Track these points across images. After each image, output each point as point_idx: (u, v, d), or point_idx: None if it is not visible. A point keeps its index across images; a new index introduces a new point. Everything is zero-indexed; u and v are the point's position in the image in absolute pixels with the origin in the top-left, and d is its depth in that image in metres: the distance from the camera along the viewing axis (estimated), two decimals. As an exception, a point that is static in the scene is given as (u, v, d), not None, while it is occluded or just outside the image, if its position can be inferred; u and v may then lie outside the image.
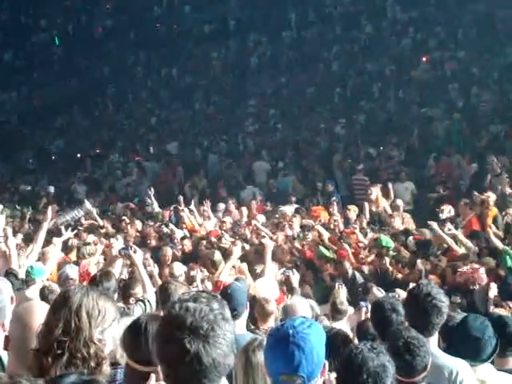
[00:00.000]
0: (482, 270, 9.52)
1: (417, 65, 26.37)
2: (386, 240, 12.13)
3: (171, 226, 15.68)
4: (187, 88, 32.60)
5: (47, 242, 10.83)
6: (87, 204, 16.99)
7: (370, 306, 7.54)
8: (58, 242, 11.03)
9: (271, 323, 7.11)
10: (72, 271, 9.67)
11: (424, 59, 26.44)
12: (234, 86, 31.13)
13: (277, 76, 30.48)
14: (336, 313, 8.16)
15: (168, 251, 12.67)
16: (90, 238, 13.45)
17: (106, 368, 3.38)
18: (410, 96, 24.82)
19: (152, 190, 18.20)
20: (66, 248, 12.18)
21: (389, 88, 25.79)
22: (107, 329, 3.42)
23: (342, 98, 26.76)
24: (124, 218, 16.62)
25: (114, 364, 4.11)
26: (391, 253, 11.81)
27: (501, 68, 23.86)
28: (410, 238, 12.43)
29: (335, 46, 30.11)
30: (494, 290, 8.76)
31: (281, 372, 3.29)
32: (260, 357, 4.37)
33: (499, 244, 11.24)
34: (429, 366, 4.56)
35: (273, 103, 28.57)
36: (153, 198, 17.98)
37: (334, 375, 3.73)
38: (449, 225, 12.77)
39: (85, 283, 8.84)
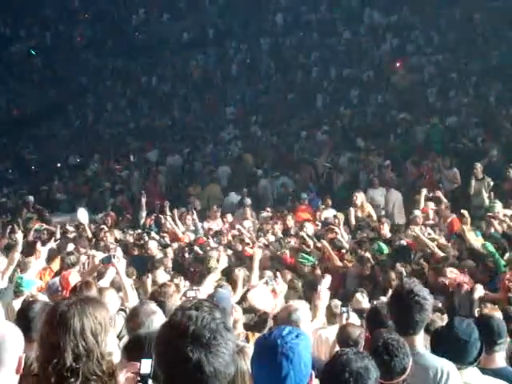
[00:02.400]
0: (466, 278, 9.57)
1: (395, 70, 26.43)
2: (381, 246, 12.32)
3: (153, 233, 15.67)
4: (166, 96, 32.58)
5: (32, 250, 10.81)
6: (81, 213, 16.88)
7: (350, 312, 7.59)
8: (43, 250, 10.96)
9: (240, 329, 7.13)
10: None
11: (398, 64, 26.54)
12: (213, 94, 31.13)
13: (256, 83, 30.53)
14: (331, 316, 8.18)
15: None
16: (70, 246, 13.39)
17: (121, 378, 3.37)
18: (388, 101, 24.92)
19: (144, 196, 18.26)
20: (49, 258, 12.12)
21: (368, 93, 25.88)
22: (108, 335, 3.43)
23: (322, 104, 26.82)
24: (103, 226, 16.59)
25: None
26: (383, 258, 11.91)
27: (479, 72, 23.97)
28: (403, 241, 12.59)
29: (314, 53, 30.16)
30: (479, 291, 8.79)
31: (268, 382, 3.26)
32: (238, 363, 4.29)
33: (475, 242, 11.39)
34: (408, 369, 4.55)
35: (253, 110, 28.59)
36: (144, 205, 18.00)
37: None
38: (428, 229, 12.91)
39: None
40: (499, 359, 5.73)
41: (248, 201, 18.76)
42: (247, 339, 6.83)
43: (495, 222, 12.56)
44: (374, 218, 15.45)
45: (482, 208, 15.19)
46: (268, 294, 8.91)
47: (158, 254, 13.70)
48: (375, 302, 7.87)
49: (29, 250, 11.18)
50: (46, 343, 3.28)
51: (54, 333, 3.27)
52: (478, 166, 16.52)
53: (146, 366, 3.30)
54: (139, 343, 3.94)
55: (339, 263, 12.31)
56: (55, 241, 13.13)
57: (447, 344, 5.24)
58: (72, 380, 3.18)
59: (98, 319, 3.34)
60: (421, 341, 5.02)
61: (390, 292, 7.77)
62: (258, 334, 6.85)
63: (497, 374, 5.46)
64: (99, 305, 3.48)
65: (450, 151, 19.38)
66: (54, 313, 3.35)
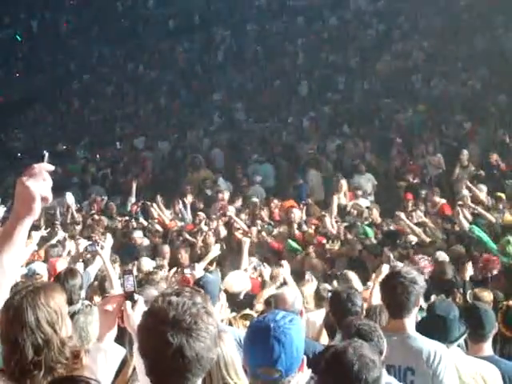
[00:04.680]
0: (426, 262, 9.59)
1: (380, 56, 26.42)
2: (366, 230, 12.46)
3: (141, 219, 15.70)
4: (153, 82, 32.49)
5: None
6: (68, 196, 16.86)
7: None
8: (36, 235, 10.96)
9: (224, 314, 7.18)
10: (40, 267, 9.63)
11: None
12: (199, 80, 31.08)
13: (242, 69, 30.49)
14: (319, 299, 8.24)
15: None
16: (60, 234, 13.38)
17: (86, 359, 3.37)
18: (375, 87, 24.94)
19: (135, 183, 18.29)
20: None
21: (354, 80, 25.90)
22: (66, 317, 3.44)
23: (308, 91, 26.81)
24: (93, 212, 16.65)
25: None
26: (368, 242, 12.00)
27: (465, 58, 24.00)
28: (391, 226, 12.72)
29: (300, 39, 30.14)
30: (469, 271, 8.79)
31: (259, 365, 3.32)
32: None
33: (466, 224, 11.44)
34: (384, 351, 4.60)
35: (239, 96, 28.56)
36: (134, 191, 18.04)
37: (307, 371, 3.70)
38: (418, 212, 12.98)
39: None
40: (487, 348, 5.79)
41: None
42: (231, 324, 6.89)
43: (465, 211, 12.54)
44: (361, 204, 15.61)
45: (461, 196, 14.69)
46: (245, 277, 9.01)
47: (144, 242, 13.78)
48: (338, 287, 7.89)
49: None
50: (6, 340, 3.28)
51: (11, 329, 3.26)
52: (465, 153, 16.55)
53: (129, 283, 3.39)
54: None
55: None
56: (46, 228, 13.17)
57: (427, 322, 5.32)
58: (35, 372, 3.18)
59: (52, 307, 3.32)
60: (411, 324, 5.09)
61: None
62: (241, 320, 6.93)
63: (484, 362, 5.53)
64: (51, 291, 3.45)
65: (434, 137, 19.46)
66: (8, 309, 3.30)
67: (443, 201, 14.57)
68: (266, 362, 3.28)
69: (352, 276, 8.73)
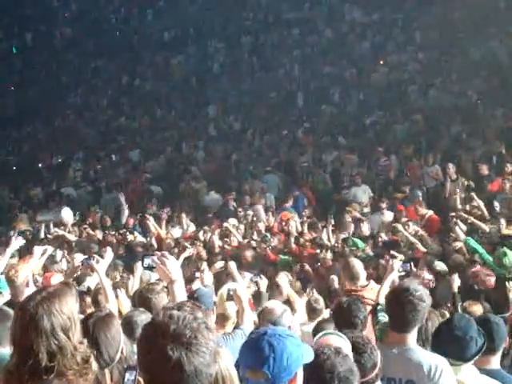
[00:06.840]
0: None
1: (376, 68, 26.50)
2: (355, 241, 12.44)
3: (136, 233, 15.66)
4: (148, 95, 32.52)
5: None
6: (65, 212, 16.80)
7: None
8: (37, 250, 10.88)
9: (230, 328, 7.11)
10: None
11: (381, 62, 26.61)
12: (195, 93, 31.12)
13: (238, 82, 30.53)
14: (311, 312, 8.21)
15: None
16: (50, 249, 13.30)
17: (95, 364, 3.39)
18: (370, 99, 24.98)
19: (123, 196, 18.25)
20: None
21: (349, 91, 25.95)
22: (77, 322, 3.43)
23: (304, 103, 26.85)
24: (86, 226, 16.59)
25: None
26: (361, 254, 11.96)
27: (460, 69, 24.07)
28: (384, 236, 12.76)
29: (295, 51, 30.20)
30: (456, 282, 8.71)
31: (248, 366, 3.31)
32: None
33: (462, 236, 11.41)
34: (379, 363, 4.54)
35: (234, 109, 28.59)
36: (125, 205, 17.99)
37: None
38: (415, 226, 12.95)
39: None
40: (494, 361, 5.72)
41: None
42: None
43: (459, 222, 12.45)
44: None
45: (454, 210, 14.33)
46: (244, 290, 8.96)
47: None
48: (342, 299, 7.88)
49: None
50: (19, 345, 3.29)
51: (26, 336, 3.27)
52: (451, 167, 16.44)
53: (130, 380, 3.41)
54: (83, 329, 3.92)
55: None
56: (40, 241, 13.12)
57: (444, 339, 5.25)
58: (45, 377, 3.19)
59: (66, 314, 3.32)
60: (413, 338, 5.07)
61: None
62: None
63: (489, 375, 5.45)
64: (65, 296, 3.43)
65: (432, 148, 19.44)
66: (24, 315, 3.32)
67: (430, 212, 14.55)
68: (253, 363, 3.28)
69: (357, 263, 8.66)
